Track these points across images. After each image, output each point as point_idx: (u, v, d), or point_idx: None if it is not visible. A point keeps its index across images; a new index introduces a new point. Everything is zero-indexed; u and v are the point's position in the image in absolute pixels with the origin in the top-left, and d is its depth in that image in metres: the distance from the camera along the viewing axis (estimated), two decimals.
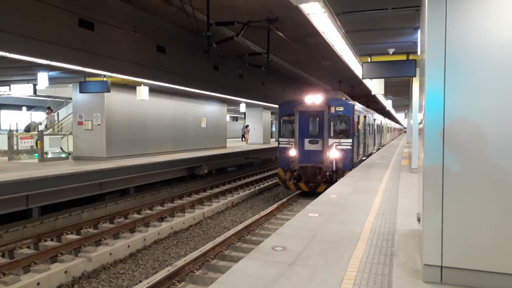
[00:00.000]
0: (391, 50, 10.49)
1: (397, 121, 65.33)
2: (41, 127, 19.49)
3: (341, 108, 13.39)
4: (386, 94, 23.45)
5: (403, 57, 10.39)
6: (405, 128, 55.79)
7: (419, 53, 8.54)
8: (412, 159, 11.97)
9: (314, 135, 13.76)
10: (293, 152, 13.75)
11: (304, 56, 18.05)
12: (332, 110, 13.42)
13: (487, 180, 3.08)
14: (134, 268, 8.07)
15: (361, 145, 15.79)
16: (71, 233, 9.49)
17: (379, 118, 26.23)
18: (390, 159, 15.94)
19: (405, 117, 47.52)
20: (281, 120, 14.43)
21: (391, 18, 7.85)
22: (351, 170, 12.46)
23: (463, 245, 3.14)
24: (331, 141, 13.34)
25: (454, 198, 3.15)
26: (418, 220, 3.94)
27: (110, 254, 8.32)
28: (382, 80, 12.42)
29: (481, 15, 3.09)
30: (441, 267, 3.22)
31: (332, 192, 7.96)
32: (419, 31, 7.93)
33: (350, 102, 13.82)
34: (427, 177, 3.23)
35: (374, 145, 22.87)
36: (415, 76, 9.75)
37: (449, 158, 3.15)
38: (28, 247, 8.51)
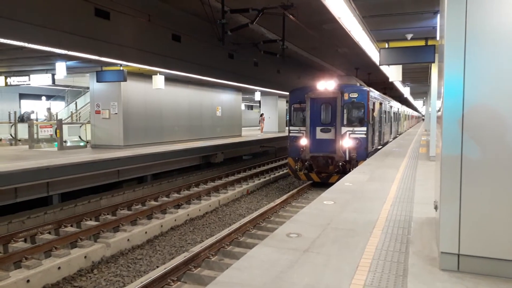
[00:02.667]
0: (409, 36, 10.27)
1: (415, 109, 64.22)
2: (33, 116, 20.26)
3: (355, 95, 12.72)
4: (404, 81, 23.06)
5: (422, 43, 10.15)
6: (423, 115, 54.85)
7: (438, 38, 8.33)
8: (430, 147, 11.78)
9: (326, 123, 13.23)
10: (304, 141, 13.26)
11: (320, 43, 17.81)
12: (346, 96, 12.77)
13: (507, 168, 3.01)
14: (152, 254, 8.23)
15: (376, 134, 15.20)
16: (90, 220, 9.71)
17: (395, 105, 25.22)
18: (407, 147, 15.73)
19: (423, 105, 46.68)
20: (292, 108, 13.91)
21: (409, 2, 7.66)
22: (365, 160, 12.02)
23: (481, 233, 3.09)
24: (344, 129, 12.80)
25: (472, 186, 3.10)
26: (435, 208, 3.89)
27: (128, 240, 8.49)
28: (400, 67, 12.17)
29: None
30: (458, 255, 3.18)
31: (348, 180, 7.91)
32: (438, 15, 7.72)
33: (365, 88, 13.03)
34: (445, 164, 3.18)
35: (391, 133, 22.05)
36: (434, 62, 9.52)
37: (468, 146, 3.09)
38: (49, 232, 8.76)
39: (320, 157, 13.07)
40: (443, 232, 3.22)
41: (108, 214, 10.20)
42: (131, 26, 12.03)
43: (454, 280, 3.08)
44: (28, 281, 6.36)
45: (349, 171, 11.22)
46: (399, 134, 27.54)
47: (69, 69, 13.90)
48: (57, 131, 15.02)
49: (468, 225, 3.12)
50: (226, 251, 7.56)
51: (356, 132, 12.70)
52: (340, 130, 12.81)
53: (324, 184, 13.24)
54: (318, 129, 13.30)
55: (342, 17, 7.73)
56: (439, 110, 3.92)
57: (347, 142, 12.69)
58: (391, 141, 20.82)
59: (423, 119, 49.27)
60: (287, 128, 16.35)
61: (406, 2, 7.69)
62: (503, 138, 3.02)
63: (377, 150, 15.05)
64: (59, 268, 6.90)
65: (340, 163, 12.73)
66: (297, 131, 13.59)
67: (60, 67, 13.00)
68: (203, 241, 8.77)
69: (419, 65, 14.50)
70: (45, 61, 13.38)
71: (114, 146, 15.10)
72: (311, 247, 4.02)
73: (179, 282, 6.33)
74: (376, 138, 15.22)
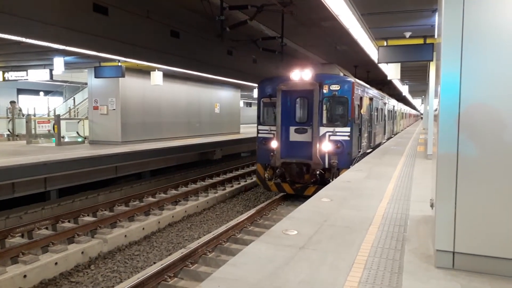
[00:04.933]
0: (407, 34, 10.26)
1: (413, 107, 64.25)
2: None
3: (337, 87, 10.41)
4: (402, 79, 23.06)
5: (420, 41, 10.15)
6: (422, 114, 54.96)
7: (436, 36, 8.34)
8: (427, 145, 11.81)
9: (301, 123, 10.83)
10: (274, 144, 10.73)
11: (319, 40, 17.78)
12: (325, 89, 10.46)
13: (503, 166, 3.02)
14: (149, 250, 8.24)
15: (365, 135, 12.87)
16: (88, 215, 9.72)
17: (391, 102, 22.77)
18: (405, 146, 15.75)
19: (422, 103, 46.75)
20: (261, 103, 11.43)
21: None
22: (348, 167, 9.96)
23: (476, 231, 3.11)
24: (323, 130, 10.44)
25: (468, 184, 3.11)
26: (432, 206, 3.91)
27: (125, 236, 8.50)
28: (399, 65, 12.17)
29: None
30: (453, 252, 3.20)
31: (345, 178, 7.93)
32: (436, 13, 7.72)
33: (349, 79, 10.74)
34: (441, 162, 3.19)
35: (384, 133, 19.57)
36: (432, 60, 9.54)
37: (464, 144, 3.10)
38: (46, 228, 8.76)
39: (294, 164, 10.50)
40: (438, 230, 3.23)
41: (105, 210, 10.21)
42: (130, 22, 11.99)
43: (449, 278, 3.10)
44: (25, 276, 6.37)
45: (329, 181, 9.25)
46: (394, 134, 25.42)
47: (67, 65, 13.85)
48: (55, 126, 14.98)
49: (463, 223, 3.13)
50: (223, 247, 7.57)
51: (337, 134, 10.43)
52: (317, 130, 10.38)
53: (301, 197, 10.98)
54: (292, 129, 10.89)
55: (341, 14, 7.72)
56: (436, 109, 3.93)
57: (326, 145, 10.39)
58: (384, 142, 18.69)
59: (422, 118, 49.31)
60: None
61: (404, 0, 7.68)
62: (500, 136, 3.03)
63: (365, 154, 12.78)
64: (56, 263, 6.92)
65: (317, 172, 10.29)
66: (267, 132, 11.18)
67: (58, 63, 12.96)
68: (200, 237, 8.79)
69: (417, 63, 14.48)
70: (43, 56, 13.33)
71: (112, 142, 15.08)
72: (308, 244, 4.03)
73: (176, 278, 6.34)
74: (365, 141, 12.87)
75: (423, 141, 17.59)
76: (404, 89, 27.57)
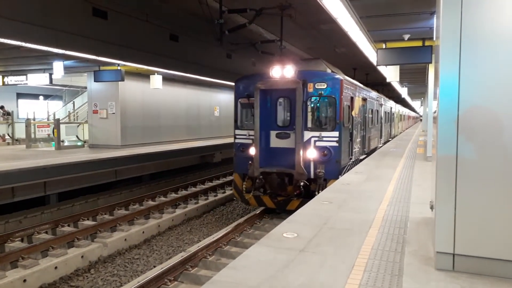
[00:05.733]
0: (406, 36, 10.30)
1: (412, 109, 64.29)
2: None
3: (323, 85, 9.09)
4: (401, 82, 23.07)
5: (419, 43, 10.18)
6: (421, 116, 55.04)
7: (434, 39, 8.37)
8: (427, 147, 11.81)
9: (284, 126, 9.55)
10: (253, 151, 9.39)
11: (318, 43, 17.83)
12: (310, 88, 9.19)
13: (503, 168, 3.03)
14: (149, 254, 8.23)
15: (357, 140, 11.52)
16: (87, 219, 9.71)
17: (388, 104, 21.35)
18: (405, 148, 15.76)
19: (421, 105, 46.79)
20: (238, 104, 10.13)
21: (406, 2, 7.68)
22: (337, 178, 8.68)
23: (476, 233, 3.11)
24: (307, 134, 9.15)
25: (468, 186, 3.11)
26: (431, 208, 3.91)
27: (125, 240, 8.49)
28: (397, 67, 12.21)
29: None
30: (453, 254, 3.20)
31: (345, 180, 7.93)
32: (435, 16, 7.75)
33: (337, 77, 9.32)
34: (441, 164, 3.19)
35: (380, 137, 18.17)
36: (431, 62, 9.57)
37: (463, 146, 3.11)
38: (46, 232, 8.75)
39: (274, 174, 9.19)
40: (438, 232, 3.23)
41: (105, 214, 10.19)
42: (129, 26, 12.02)
43: (449, 280, 3.10)
44: (24, 280, 6.35)
45: (315, 194, 8.37)
46: (392, 138, 24.00)
47: (67, 69, 13.87)
48: (55, 130, 14.99)
49: (463, 225, 3.13)
50: (223, 250, 7.56)
51: (324, 139, 9.11)
52: (301, 135, 9.04)
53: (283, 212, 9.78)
54: (272, 134, 9.58)
55: (340, 17, 7.75)
56: (435, 111, 3.94)
57: (311, 152, 9.10)
58: (381, 146, 17.39)
59: (421, 120, 49.36)
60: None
61: (403, 3, 7.71)
62: (499, 138, 3.03)
63: (358, 161, 11.54)
64: (56, 267, 6.90)
65: (302, 183, 8.98)
66: (245, 137, 9.83)
67: (58, 67, 12.98)
68: (200, 240, 8.77)
69: (416, 66, 14.51)
70: (43, 61, 13.35)
71: (112, 146, 15.08)
72: (307, 247, 4.03)
73: (176, 282, 6.33)
74: (357, 146, 11.54)
75: (422, 143, 17.60)
76: (403, 91, 27.61)
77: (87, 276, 7.12)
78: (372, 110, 14.65)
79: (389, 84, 20.85)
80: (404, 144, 17.62)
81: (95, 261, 7.68)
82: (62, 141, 15.40)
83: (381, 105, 17.68)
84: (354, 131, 10.74)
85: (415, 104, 54.69)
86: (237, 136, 10.07)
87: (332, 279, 3.27)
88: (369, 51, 11.86)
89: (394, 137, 24.97)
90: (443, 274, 3.20)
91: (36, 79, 15.04)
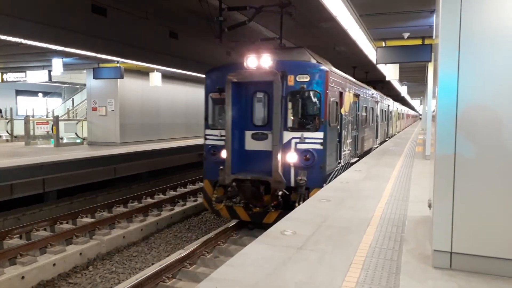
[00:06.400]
0: (406, 35, 10.28)
1: (412, 108, 64.32)
2: None
3: (306, 78, 7.89)
4: (401, 80, 23.07)
5: (418, 42, 10.17)
6: (421, 114, 55.03)
7: (434, 37, 8.36)
8: (426, 146, 11.82)
9: (261, 126, 8.31)
10: (224, 154, 8.12)
11: (317, 41, 17.81)
12: (290, 80, 7.97)
13: (501, 166, 3.03)
14: (147, 251, 8.23)
15: (347, 141, 10.28)
16: (86, 216, 9.70)
17: (385, 101, 19.82)
18: (404, 146, 15.77)
19: (421, 104, 46.83)
20: (209, 99, 8.82)
21: (406, 0, 7.67)
22: (321, 186, 7.60)
23: (473, 232, 3.11)
24: (287, 135, 7.98)
25: (465, 184, 3.11)
26: (429, 206, 3.91)
27: (124, 237, 8.49)
28: (397, 66, 12.21)
29: None
30: (451, 253, 3.20)
31: (343, 178, 7.93)
32: (435, 14, 7.74)
33: (323, 68, 8.06)
34: (439, 163, 3.20)
35: (376, 137, 16.71)
36: (430, 61, 9.57)
37: (462, 145, 3.11)
38: (45, 229, 8.75)
39: (248, 182, 7.91)
40: (436, 230, 3.23)
41: (104, 211, 10.19)
42: (128, 23, 11.99)
43: (446, 278, 3.10)
44: (23, 277, 6.36)
45: (295, 205, 7.31)
46: (389, 137, 22.73)
47: (66, 66, 13.85)
48: (54, 127, 14.98)
49: (460, 223, 3.14)
50: (221, 248, 7.57)
51: (306, 141, 7.92)
52: (279, 137, 7.80)
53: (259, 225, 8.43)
54: (248, 134, 8.36)
55: (339, 15, 7.74)
56: (434, 110, 3.94)
57: (291, 156, 7.92)
58: (376, 147, 15.98)
59: (420, 118, 49.33)
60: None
61: (403, 1, 7.70)
62: (498, 137, 3.03)
63: (348, 165, 10.37)
64: (54, 264, 6.91)
65: (280, 192, 7.74)
66: (216, 137, 8.52)
67: (57, 64, 12.96)
68: (198, 238, 8.78)
69: (416, 64, 14.49)
70: (42, 58, 13.33)
71: (111, 143, 15.08)
72: (305, 245, 4.03)
73: (174, 279, 6.34)
74: (347, 148, 10.25)
75: (421, 142, 17.62)
76: (402, 90, 27.60)
77: (85, 273, 7.13)
78: (366, 108, 13.43)
79: (388, 82, 20.83)
80: (403, 143, 17.63)
81: (94, 258, 7.68)
82: (61, 138, 15.40)
83: (376, 102, 16.44)
84: (343, 131, 9.53)
85: (415, 102, 54.72)
86: (208, 137, 8.70)
87: (330, 277, 3.27)
88: (369, 50, 11.85)
89: (392, 136, 23.89)
90: (440, 272, 3.21)
91: (35, 76, 15.02)
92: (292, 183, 7.89)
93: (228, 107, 8.02)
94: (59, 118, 16.18)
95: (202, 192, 8.88)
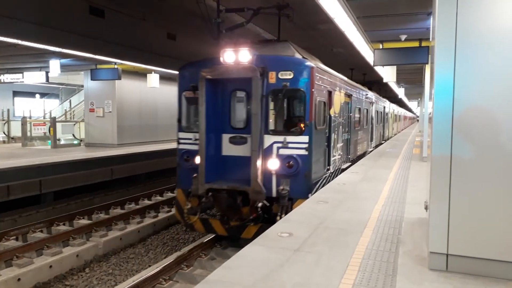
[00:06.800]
0: (403, 37, 10.31)
1: (409, 109, 64.50)
2: None
3: (289, 75, 7.09)
4: (398, 82, 23.13)
5: (416, 44, 10.20)
6: (418, 116, 55.15)
7: (431, 39, 8.39)
8: (423, 147, 11.85)
9: (240, 128, 7.55)
10: (198, 160, 7.31)
11: (315, 43, 17.85)
12: (271, 78, 7.14)
13: (497, 168, 3.04)
14: (144, 253, 8.21)
15: (338, 145, 9.46)
16: (83, 218, 9.67)
17: (381, 102, 19.04)
18: (401, 148, 15.80)
19: (418, 106, 46.99)
20: (182, 98, 8.01)
21: (403, 3, 7.70)
22: (306, 197, 6.73)
23: (470, 234, 3.12)
24: (268, 139, 7.15)
25: (462, 186, 3.12)
26: (426, 208, 3.92)
27: (121, 239, 8.47)
28: (394, 68, 12.26)
29: (493, 0, 3.02)
30: (447, 255, 3.21)
31: (341, 180, 7.94)
32: (432, 16, 7.77)
33: (307, 63, 7.24)
34: (435, 165, 3.20)
35: (371, 140, 15.95)
36: (427, 63, 9.60)
37: (458, 146, 3.12)
38: (41, 231, 8.71)
39: (224, 192, 7.12)
40: (432, 232, 3.24)
41: (100, 213, 10.16)
42: (126, 25, 11.99)
43: (442, 280, 3.10)
44: (19, 279, 6.33)
45: (276, 218, 6.56)
46: (385, 140, 21.91)
47: (63, 67, 13.83)
48: (51, 129, 14.94)
49: (457, 225, 3.14)
50: (219, 250, 7.56)
51: (290, 145, 7.11)
52: (259, 141, 6.98)
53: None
54: (225, 138, 7.60)
55: (337, 17, 7.76)
56: (431, 112, 3.95)
57: (273, 163, 7.10)
58: (371, 150, 15.14)
59: (418, 120, 49.42)
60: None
61: (400, 3, 7.73)
62: (494, 138, 3.04)
63: (340, 171, 9.62)
64: (50, 266, 6.88)
65: (260, 204, 6.92)
66: (191, 141, 7.72)
67: (54, 65, 12.94)
68: (195, 240, 8.77)
69: (413, 66, 14.54)
70: (39, 59, 13.31)
71: (108, 145, 15.05)
72: (302, 246, 4.03)
73: (171, 281, 6.32)
74: (337, 153, 9.43)
75: (419, 144, 17.66)
76: (400, 92, 27.68)
77: (82, 275, 7.10)
78: (359, 109, 12.63)
79: (386, 84, 20.86)
80: (400, 145, 17.67)
81: (90, 260, 7.65)
82: (58, 140, 15.36)
83: (371, 103, 15.60)
84: (333, 134, 8.78)
85: (412, 104, 54.90)
86: (181, 141, 7.83)
87: (326, 279, 3.27)
88: (366, 51, 11.89)
89: (388, 139, 23.15)
90: (436, 274, 3.21)
91: (33, 77, 14.99)
92: (274, 193, 7.08)
93: (202, 107, 7.18)
94: (56, 120, 16.13)
95: (175, 202, 8.06)
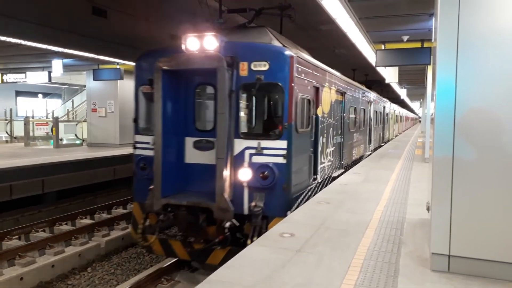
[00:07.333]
0: (405, 38, 10.32)
1: (411, 110, 64.38)
2: None
3: (264, 66, 5.84)
4: (400, 83, 23.10)
5: (418, 45, 10.20)
6: (420, 117, 55.01)
7: (433, 40, 8.39)
8: (425, 148, 11.83)
9: (205, 131, 6.36)
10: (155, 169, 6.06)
11: (317, 43, 17.85)
12: (243, 69, 5.91)
13: (500, 169, 3.03)
14: (145, 253, 8.22)
15: (327, 150, 8.26)
16: (85, 218, 9.69)
17: (380, 102, 17.92)
18: (403, 149, 15.78)
19: (420, 106, 46.91)
20: (139, 94, 6.91)
21: (405, 4, 7.70)
22: (284, 215, 5.60)
23: (472, 235, 3.12)
24: (240, 144, 5.93)
25: (463, 188, 3.12)
26: (428, 209, 3.91)
27: (123, 238, 8.49)
28: (396, 68, 12.26)
29: (494, 1, 3.02)
30: (449, 256, 3.21)
31: (342, 181, 7.94)
32: (434, 17, 7.77)
33: (287, 52, 5.95)
34: (437, 166, 3.20)
35: (369, 142, 14.83)
36: (429, 64, 9.59)
37: (460, 147, 3.12)
38: (44, 230, 8.74)
39: (184, 209, 5.95)
40: (434, 233, 3.24)
41: (103, 213, 10.19)
42: (128, 25, 12.02)
43: (444, 281, 3.10)
44: (21, 278, 6.35)
45: (247, 242, 5.46)
46: (385, 142, 20.70)
47: (66, 67, 13.88)
48: (53, 129, 14.99)
49: (459, 226, 3.14)
50: None
51: (265, 152, 5.85)
52: (227, 146, 5.78)
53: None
54: (189, 142, 6.37)
55: (339, 18, 7.77)
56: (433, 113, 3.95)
57: (244, 174, 5.87)
58: (369, 154, 14.05)
59: (420, 121, 49.30)
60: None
61: (402, 4, 7.73)
62: (496, 139, 3.04)
63: (330, 179, 8.50)
64: (53, 266, 6.90)
65: (228, 224, 5.76)
66: (149, 146, 6.44)
67: (57, 65, 12.99)
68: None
69: (415, 67, 14.52)
70: (42, 59, 13.37)
71: (110, 145, 15.08)
72: (304, 247, 4.03)
73: (172, 281, 6.33)
74: (327, 159, 8.28)
75: (421, 144, 17.63)
76: (402, 93, 27.65)
77: (84, 274, 7.12)
78: (355, 109, 11.50)
79: (388, 85, 20.83)
80: (403, 146, 17.64)
81: (92, 259, 7.68)
82: (61, 140, 15.40)
83: (369, 102, 14.35)
84: (321, 137, 7.60)
85: (414, 105, 54.82)
86: (138, 145, 6.65)
87: (328, 280, 3.28)
88: (368, 52, 11.88)
89: (388, 141, 21.97)
90: (438, 275, 3.21)
91: (35, 77, 15.04)
92: (246, 210, 5.86)
93: (158, 104, 5.95)
94: (59, 119, 16.18)
95: (131, 218, 6.88)
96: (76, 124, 17.57)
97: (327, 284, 3.20)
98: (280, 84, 5.86)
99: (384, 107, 19.95)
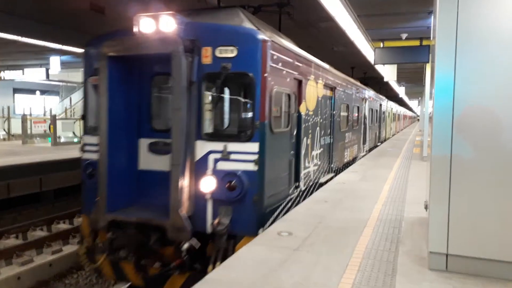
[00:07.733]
0: (404, 35, 10.31)
1: (410, 108, 64.44)
2: None
3: (231, 52, 4.85)
4: (399, 81, 23.12)
5: (416, 43, 10.20)
6: (418, 116, 55.09)
7: (431, 38, 8.38)
8: (423, 147, 11.84)
9: (163, 131, 5.35)
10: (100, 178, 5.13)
11: (316, 41, 17.83)
12: (206, 56, 4.93)
13: (498, 168, 3.03)
14: None
15: (313, 153, 7.26)
16: None
17: (376, 99, 17.20)
18: (401, 147, 15.79)
19: (419, 105, 46.97)
20: (88, 86, 5.80)
21: (404, 1, 7.68)
22: (255, 234, 4.66)
23: (469, 234, 3.11)
24: (202, 147, 4.98)
25: (462, 186, 3.11)
26: (426, 208, 3.92)
27: None
28: (395, 66, 12.25)
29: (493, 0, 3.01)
30: (447, 254, 3.20)
31: (340, 179, 7.93)
32: (432, 15, 7.76)
33: (259, 36, 4.85)
34: (435, 164, 3.20)
35: (363, 143, 13.96)
36: (428, 62, 9.59)
37: (458, 145, 3.11)
38: (41, 229, 8.71)
39: (132, 227, 4.96)
40: (432, 232, 3.24)
41: None
42: (127, 21, 11.96)
43: (441, 280, 3.10)
44: (19, 278, 6.33)
45: (209, 268, 4.67)
46: (382, 142, 19.97)
47: (64, 64, 13.84)
48: (51, 126, 14.95)
49: (456, 225, 3.14)
50: None
51: (232, 157, 4.89)
52: (184, 149, 4.79)
53: None
54: (143, 144, 5.45)
55: (337, 15, 7.75)
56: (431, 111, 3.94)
57: (207, 183, 4.92)
58: (363, 155, 13.33)
59: (418, 120, 49.36)
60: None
61: (401, 2, 7.72)
62: (494, 137, 3.03)
63: (317, 185, 7.57)
64: (50, 265, 6.88)
65: (186, 245, 4.71)
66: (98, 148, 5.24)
67: (55, 62, 12.95)
68: None
69: (413, 65, 14.53)
70: (39, 55, 13.32)
71: None
72: (302, 246, 4.02)
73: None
74: (313, 163, 7.28)
75: (419, 143, 17.64)
76: (400, 91, 27.66)
77: (81, 273, 7.10)
78: (348, 106, 10.48)
79: (387, 83, 20.82)
80: (401, 144, 17.66)
81: None
82: (59, 137, 15.35)
83: (364, 99, 13.32)
84: (305, 138, 6.63)
85: (413, 103, 54.88)
86: (86, 148, 5.65)
87: (325, 279, 3.27)
88: (367, 50, 11.86)
89: (385, 140, 21.17)
90: (436, 274, 3.21)
91: (33, 74, 14.99)
92: (209, 228, 4.91)
93: (103, 98, 4.98)
94: (57, 117, 16.13)
95: (80, 233, 6.01)
96: (74, 122, 17.52)
97: (325, 283, 3.19)
98: (250, 74, 4.82)
99: (380, 105, 19.04)
